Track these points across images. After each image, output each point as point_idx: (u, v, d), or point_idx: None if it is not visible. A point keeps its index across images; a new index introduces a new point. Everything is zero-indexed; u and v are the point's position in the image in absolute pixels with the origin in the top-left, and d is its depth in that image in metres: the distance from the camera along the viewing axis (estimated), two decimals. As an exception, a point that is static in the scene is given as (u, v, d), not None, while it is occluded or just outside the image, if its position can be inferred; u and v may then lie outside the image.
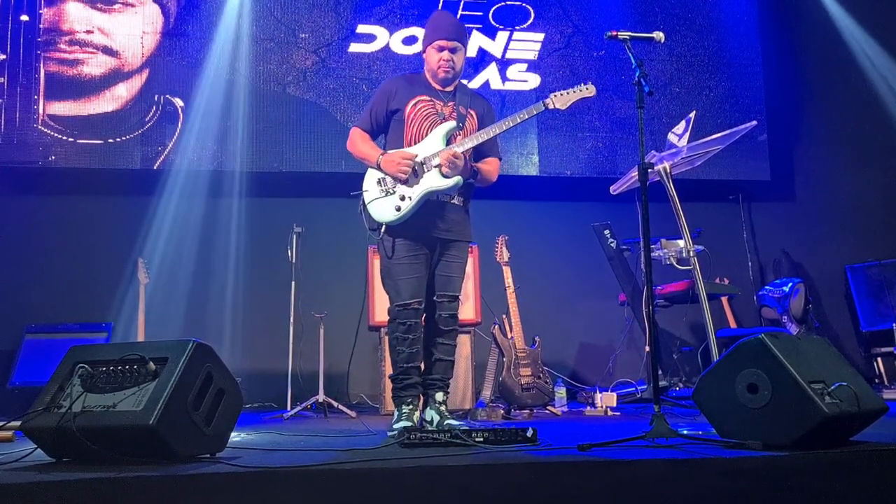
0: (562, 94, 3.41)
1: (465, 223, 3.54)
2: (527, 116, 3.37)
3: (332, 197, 5.35)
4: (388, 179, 3.37)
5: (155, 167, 5.89)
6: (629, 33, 3.07)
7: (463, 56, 3.52)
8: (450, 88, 3.53)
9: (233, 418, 2.63)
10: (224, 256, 5.95)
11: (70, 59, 5.88)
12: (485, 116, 3.57)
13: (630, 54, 3.02)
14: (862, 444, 2.47)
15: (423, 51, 3.56)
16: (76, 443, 2.32)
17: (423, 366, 3.49)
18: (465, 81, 3.67)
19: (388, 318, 3.47)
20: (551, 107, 3.39)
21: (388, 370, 3.92)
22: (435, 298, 3.46)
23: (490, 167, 3.55)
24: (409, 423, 3.29)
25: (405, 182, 3.34)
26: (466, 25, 5.26)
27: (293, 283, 5.09)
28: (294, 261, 5.09)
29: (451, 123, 3.41)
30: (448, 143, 3.39)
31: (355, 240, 3.67)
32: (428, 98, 3.48)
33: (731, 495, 2.17)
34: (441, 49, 3.45)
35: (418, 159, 3.34)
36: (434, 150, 3.37)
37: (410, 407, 3.39)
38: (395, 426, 3.27)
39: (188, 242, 5.88)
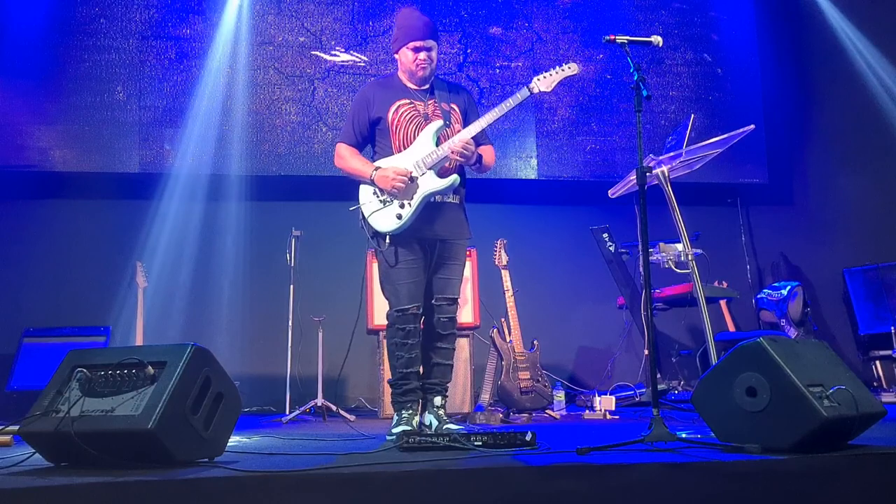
0: (545, 77, 3.40)
1: (463, 222, 3.52)
2: (514, 104, 3.35)
3: (331, 201, 5.35)
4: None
5: (154, 171, 5.89)
6: (627, 37, 3.07)
7: (436, 52, 3.50)
8: (426, 86, 3.51)
9: (231, 422, 2.63)
10: (223, 260, 5.94)
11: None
12: (468, 109, 3.56)
13: (628, 58, 3.02)
14: (860, 448, 2.47)
15: (396, 52, 3.53)
16: (74, 447, 2.32)
17: (421, 370, 3.49)
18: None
19: (386, 322, 3.47)
20: (536, 91, 3.38)
21: (387, 374, 3.92)
22: (433, 302, 3.45)
23: (489, 153, 3.54)
24: (407, 427, 3.28)
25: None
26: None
27: (292, 286, 5.09)
28: (293, 264, 5.09)
29: (438, 122, 3.40)
30: (438, 142, 3.38)
31: (354, 243, 3.67)
32: (408, 101, 3.46)
33: (729, 498, 2.18)
34: (417, 50, 3.42)
35: (412, 172, 3.33)
36: (426, 151, 3.36)
37: (410, 412, 3.38)
38: (394, 430, 3.26)
39: (187, 246, 5.88)
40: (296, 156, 6.07)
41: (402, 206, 3.33)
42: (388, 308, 3.45)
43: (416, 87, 3.50)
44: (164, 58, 6.01)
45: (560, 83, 3.43)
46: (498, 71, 6.34)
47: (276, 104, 6.09)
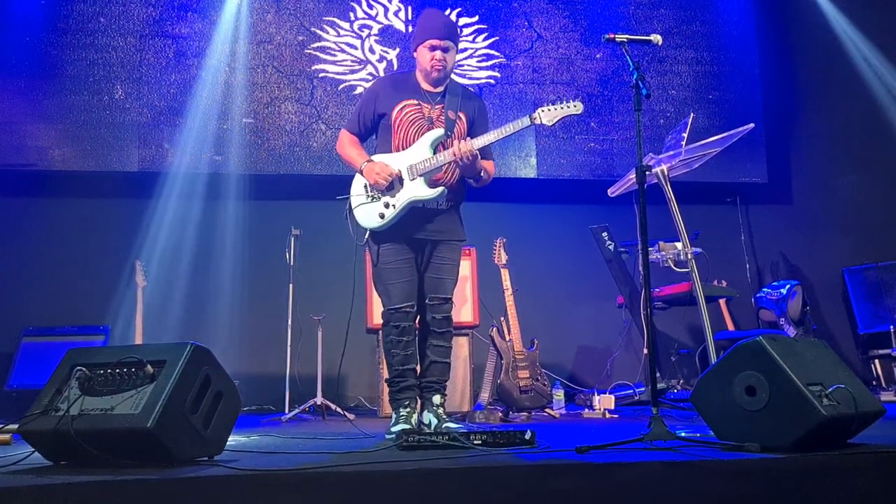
0: (548, 110, 3.36)
1: (455, 223, 3.51)
2: (512, 130, 3.33)
3: (330, 200, 5.33)
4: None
5: (153, 170, 5.88)
6: (627, 36, 3.07)
7: (454, 55, 3.49)
8: (440, 88, 3.50)
9: (231, 421, 2.63)
10: (222, 259, 5.95)
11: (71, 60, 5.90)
12: (476, 118, 3.53)
13: (627, 57, 3.02)
14: (859, 447, 2.47)
15: (414, 50, 3.52)
16: (74, 446, 2.31)
17: (418, 368, 3.49)
18: (457, 77, 3.62)
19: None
20: (537, 122, 3.35)
21: (386, 373, 3.92)
22: (427, 301, 3.45)
23: (488, 168, 3.54)
24: (407, 426, 3.29)
25: (390, 189, 3.34)
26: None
27: (291, 285, 5.09)
28: (292, 263, 5.09)
29: (439, 131, 3.38)
30: (435, 151, 3.38)
31: (353, 242, 3.67)
32: (415, 102, 3.44)
33: (728, 498, 2.17)
34: (433, 49, 3.41)
35: (400, 174, 3.33)
36: (421, 157, 3.35)
37: (408, 409, 3.38)
38: (394, 429, 3.26)
39: (186, 245, 5.88)
40: (295, 154, 6.07)
41: (386, 206, 3.35)
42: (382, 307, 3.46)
43: (429, 89, 3.48)
44: (162, 56, 6.01)
45: (562, 119, 3.36)
46: (498, 71, 6.34)
47: (275, 103, 6.09)
